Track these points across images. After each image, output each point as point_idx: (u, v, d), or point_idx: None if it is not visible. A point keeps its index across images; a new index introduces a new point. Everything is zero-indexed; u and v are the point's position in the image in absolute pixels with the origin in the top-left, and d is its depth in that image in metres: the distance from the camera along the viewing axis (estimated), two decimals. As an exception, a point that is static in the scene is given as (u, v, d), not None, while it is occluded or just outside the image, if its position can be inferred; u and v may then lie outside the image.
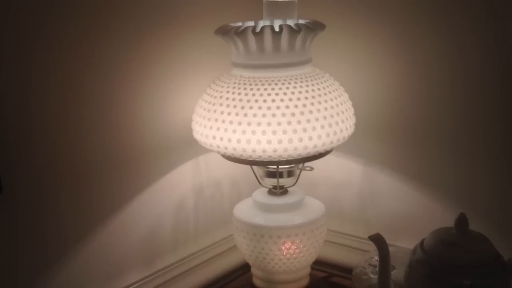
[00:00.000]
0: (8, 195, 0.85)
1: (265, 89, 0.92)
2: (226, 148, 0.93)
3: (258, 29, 0.92)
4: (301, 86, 0.93)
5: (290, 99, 0.92)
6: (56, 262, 0.94)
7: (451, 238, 0.78)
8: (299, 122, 0.91)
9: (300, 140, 0.91)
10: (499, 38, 0.97)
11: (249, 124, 0.91)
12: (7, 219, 0.87)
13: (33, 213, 0.90)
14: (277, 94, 0.92)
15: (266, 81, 0.93)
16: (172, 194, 1.12)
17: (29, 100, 0.87)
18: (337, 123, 0.94)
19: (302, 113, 0.91)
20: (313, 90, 0.94)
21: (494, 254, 0.78)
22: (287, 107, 0.91)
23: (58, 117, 0.91)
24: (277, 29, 0.92)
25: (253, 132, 0.91)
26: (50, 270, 0.94)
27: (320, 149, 0.93)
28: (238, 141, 0.92)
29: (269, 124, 0.90)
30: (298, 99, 0.92)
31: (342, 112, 0.96)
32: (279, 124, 0.90)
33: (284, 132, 0.90)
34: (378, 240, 0.81)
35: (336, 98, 0.96)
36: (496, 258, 0.78)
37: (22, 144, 0.87)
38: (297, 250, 1.03)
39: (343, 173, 1.21)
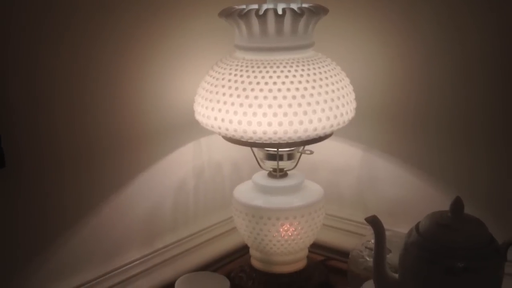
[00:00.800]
0: (11, 170, 0.86)
1: (267, 72, 0.93)
2: (227, 129, 0.94)
3: (261, 12, 0.93)
4: (302, 70, 0.94)
5: (292, 82, 0.92)
6: (57, 238, 0.96)
7: (446, 221, 0.79)
8: (299, 105, 0.91)
9: (301, 122, 0.92)
10: (501, 29, 0.98)
11: (250, 106, 0.92)
12: (10, 194, 0.88)
13: (35, 189, 0.91)
14: (278, 76, 0.92)
15: (268, 63, 0.94)
16: (173, 175, 1.13)
17: (32, 77, 0.88)
18: (337, 107, 0.94)
19: (303, 96, 0.92)
20: (314, 74, 0.94)
21: (488, 237, 0.79)
22: (288, 89, 0.92)
23: (62, 96, 0.92)
24: (280, 12, 0.92)
25: (254, 114, 0.92)
26: (50, 246, 0.95)
27: (320, 132, 0.94)
28: (239, 122, 0.92)
29: (270, 106, 0.91)
30: (300, 82, 0.93)
31: (343, 96, 0.96)
32: (280, 106, 0.91)
33: (285, 114, 0.91)
34: (374, 221, 0.81)
35: (337, 82, 0.97)
36: (490, 242, 0.78)
37: (26, 121, 0.88)
38: (295, 232, 1.04)
39: (343, 158, 1.22)
